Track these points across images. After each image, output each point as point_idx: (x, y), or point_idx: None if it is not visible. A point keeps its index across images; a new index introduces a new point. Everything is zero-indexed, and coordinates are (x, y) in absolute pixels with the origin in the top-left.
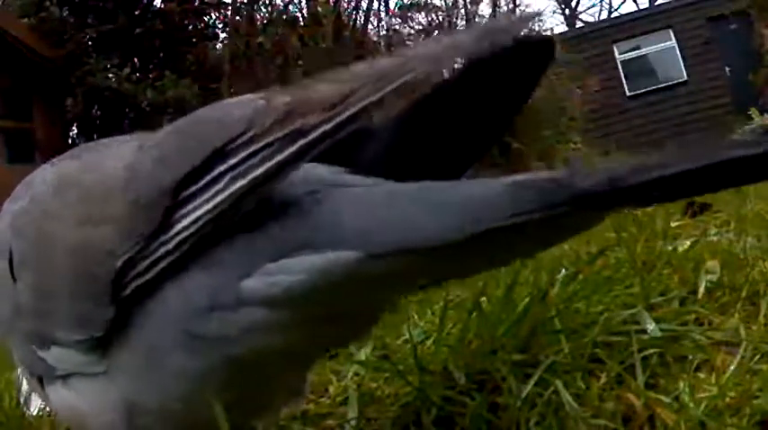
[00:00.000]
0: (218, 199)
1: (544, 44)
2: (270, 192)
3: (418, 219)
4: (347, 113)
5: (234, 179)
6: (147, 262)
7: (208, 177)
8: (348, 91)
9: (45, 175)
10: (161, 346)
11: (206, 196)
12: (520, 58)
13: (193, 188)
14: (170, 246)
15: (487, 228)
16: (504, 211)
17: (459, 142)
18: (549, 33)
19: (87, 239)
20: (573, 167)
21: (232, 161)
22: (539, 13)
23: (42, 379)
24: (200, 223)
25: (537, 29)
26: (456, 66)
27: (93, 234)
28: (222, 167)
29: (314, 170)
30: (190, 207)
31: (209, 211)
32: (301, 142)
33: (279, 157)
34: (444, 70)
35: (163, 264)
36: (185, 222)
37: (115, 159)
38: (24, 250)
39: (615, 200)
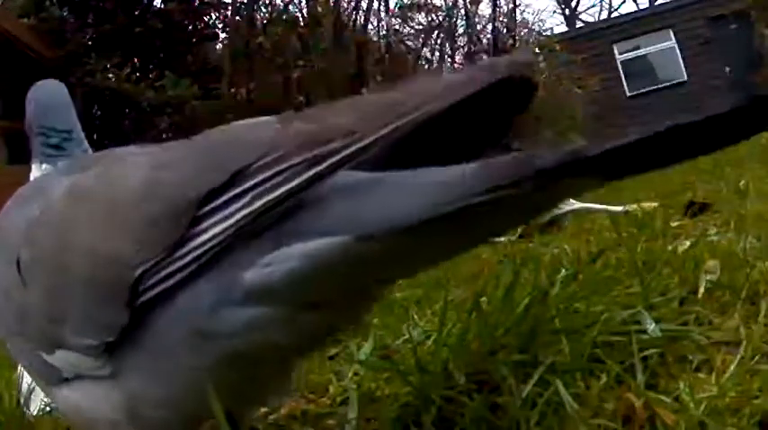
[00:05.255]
0: (241, 214)
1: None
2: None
3: (399, 200)
4: (367, 140)
5: (259, 196)
6: (164, 272)
7: (228, 195)
8: (366, 120)
9: (60, 186)
10: (169, 346)
11: (226, 212)
12: (508, 94)
13: (212, 205)
14: (189, 258)
15: (463, 205)
16: (475, 188)
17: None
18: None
19: (105, 250)
20: (535, 149)
21: (256, 179)
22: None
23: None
24: (222, 237)
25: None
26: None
27: (111, 246)
28: (245, 185)
29: None
30: (210, 222)
31: (231, 226)
32: (329, 161)
33: (307, 174)
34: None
35: (180, 276)
36: (205, 236)
37: (131, 173)
38: (38, 258)
39: (572, 170)
